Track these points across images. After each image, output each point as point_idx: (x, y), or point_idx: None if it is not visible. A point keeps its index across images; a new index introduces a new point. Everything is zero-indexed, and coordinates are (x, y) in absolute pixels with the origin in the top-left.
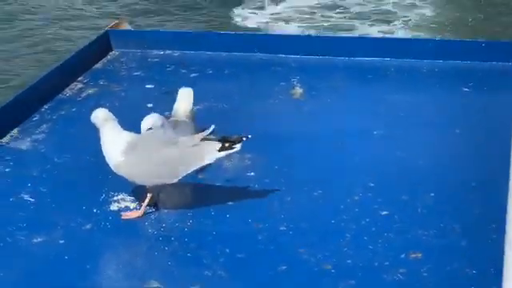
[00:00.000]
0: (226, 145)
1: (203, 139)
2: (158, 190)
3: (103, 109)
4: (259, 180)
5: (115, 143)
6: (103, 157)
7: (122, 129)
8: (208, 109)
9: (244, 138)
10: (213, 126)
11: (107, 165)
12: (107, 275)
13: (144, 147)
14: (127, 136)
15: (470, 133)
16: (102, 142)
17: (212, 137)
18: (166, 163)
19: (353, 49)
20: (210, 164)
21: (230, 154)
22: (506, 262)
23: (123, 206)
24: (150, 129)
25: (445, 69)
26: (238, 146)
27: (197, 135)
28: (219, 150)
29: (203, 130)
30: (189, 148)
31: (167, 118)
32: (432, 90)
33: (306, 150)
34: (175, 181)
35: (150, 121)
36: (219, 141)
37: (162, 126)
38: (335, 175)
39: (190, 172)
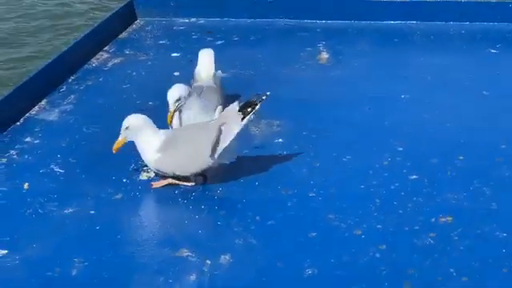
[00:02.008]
0: (249, 109)
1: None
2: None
3: (137, 116)
4: (287, 146)
5: (150, 142)
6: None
7: (156, 129)
8: (234, 76)
9: (264, 97)
10: (237, 102)
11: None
12: (138, 245)
13: (176, 142)
14: (161, 134)
15: (498, 94)
16: (137, 145)
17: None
18: (197, 152)
19: (378, 12)
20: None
21: (255, 115)
22: None
23: (152, 176)
24: (179, 99)
25: (472, 31)
26: (257, 107)
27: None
28: (242, 119)
29: (228, 97)
30: (214, 130)
31: (190, 84)
32: (459, 53)
33: (334, 115)
34: (213, 164)
35: (177, 92)
36: (240, 110)
37: (189, 95)
38: (363, 140)
39: (222, 151)
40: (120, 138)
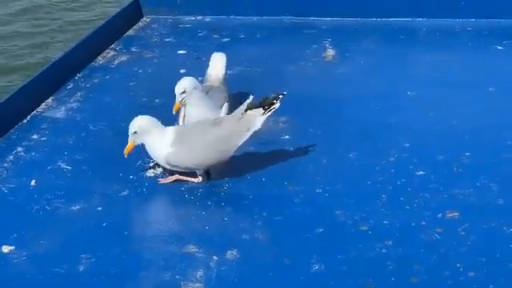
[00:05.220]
0: (267, 107)
1: (246, 110)
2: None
3: (144, 117)
4: (294, 143)
5: (161, 138)
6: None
7: (163, 127)
8: (241, 73)
9: (281, 96)
10: (251, 97)
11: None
12: (145, 241)
13: (190, 135)
14: (172, 129)
15: (504, 91)
16: (146, 145)
17: (253, 103)
18: (214, 145)
19: (384, 9)
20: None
21: (272, 113)
22: None
23: (159, 172)
24: (184, 92)
25: (477, 27)
26: (277, 104)
27: (238, 109)
28: (262, 114)
29: (235, 95)
30: (233, 123)
31: (200, 82)
32: (465, 50)
33: (340, 112)
34: (228, 157)
35: (183, 84)
36: (259, 105)
37: (195, 88)
38: (370, 137)
39: (240, 145)
40: (129, 143)
